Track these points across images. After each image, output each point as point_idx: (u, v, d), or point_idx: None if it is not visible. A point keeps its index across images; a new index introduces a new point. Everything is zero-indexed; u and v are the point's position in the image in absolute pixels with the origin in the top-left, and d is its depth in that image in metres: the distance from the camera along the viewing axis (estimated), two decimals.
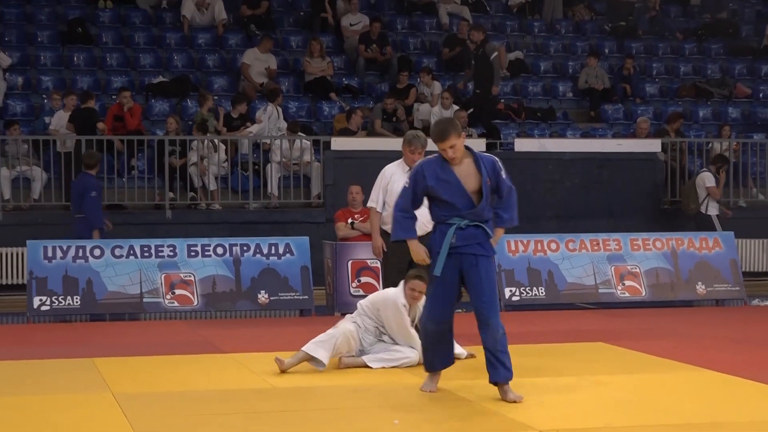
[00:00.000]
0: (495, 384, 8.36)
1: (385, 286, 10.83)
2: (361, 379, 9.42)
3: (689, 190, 18.12)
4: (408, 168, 10.65)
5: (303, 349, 9.71)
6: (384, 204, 10.80)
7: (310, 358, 9.68)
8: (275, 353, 10.24)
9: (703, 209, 17.65)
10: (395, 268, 10.49)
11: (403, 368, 9.78)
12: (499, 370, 8.31)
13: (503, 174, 8.45)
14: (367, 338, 9.98)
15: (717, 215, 17.63)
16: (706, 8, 25.70)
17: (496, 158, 8.53)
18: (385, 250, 10.76)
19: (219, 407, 8.34)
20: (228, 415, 8.07)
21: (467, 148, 8.49)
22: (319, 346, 9.68)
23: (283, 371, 9.59)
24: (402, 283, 9.85)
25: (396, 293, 9.88)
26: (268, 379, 9.41)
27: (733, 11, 25.83)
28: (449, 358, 8.80)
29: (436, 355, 8.73)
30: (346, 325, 9.92)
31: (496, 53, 20.28)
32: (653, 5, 24.73)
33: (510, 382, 8.35)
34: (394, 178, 10.72)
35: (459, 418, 7.88)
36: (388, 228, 10.72)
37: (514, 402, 8.20)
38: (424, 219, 10.63)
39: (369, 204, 11.12)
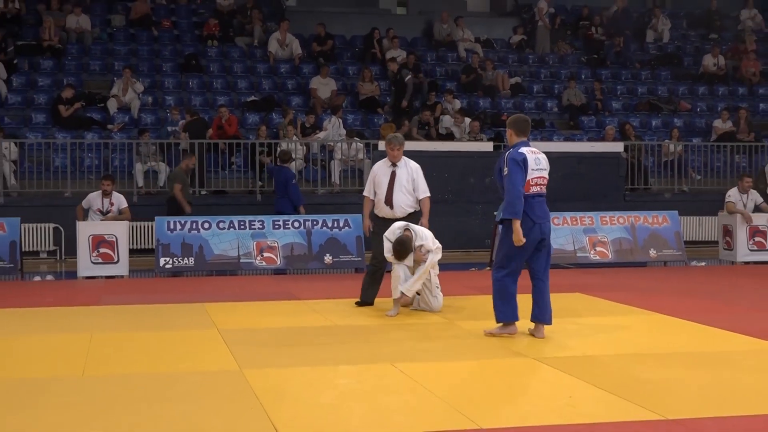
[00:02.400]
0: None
1: (373, 253, 10.19)
2: (401, 320, 9.41)
3: (760, 176, 18.28)
4: (390, 164, 10.04)
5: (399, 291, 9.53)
6: (375, 193, 10.10)
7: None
8: (338, 300, 10.29)
9: None
10: (378, 239, 9.89)
11: (432, 312, 9.74)
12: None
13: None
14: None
15: None
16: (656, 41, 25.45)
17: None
18: (372, 228, 10.07)
19: (295, 339, 8.36)
20: (300, 345, 8.08)
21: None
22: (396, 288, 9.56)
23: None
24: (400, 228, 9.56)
25: (398, 226, 9.58)
26: (332, 319, 9.42)
27: (677, 47, 25.56)
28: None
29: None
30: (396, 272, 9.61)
31: (409, 76, 20.50)
32: (618, 42, 24.51)
33: (516, 324, 8.29)
34: (379, 173, 10.10)
35: (467, 346, 7.86)
36: (377, 211, 10.08)
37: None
38: (403, 204, 9.95)
39: (364, 193, 10.31)
